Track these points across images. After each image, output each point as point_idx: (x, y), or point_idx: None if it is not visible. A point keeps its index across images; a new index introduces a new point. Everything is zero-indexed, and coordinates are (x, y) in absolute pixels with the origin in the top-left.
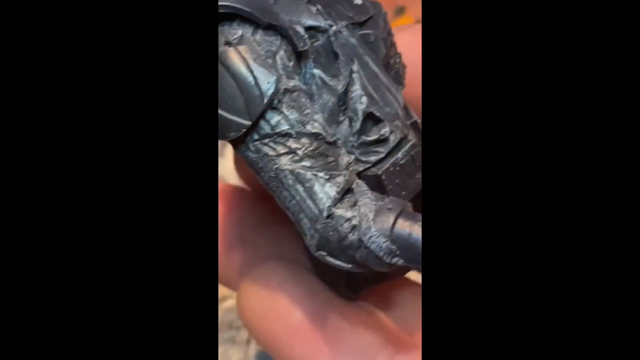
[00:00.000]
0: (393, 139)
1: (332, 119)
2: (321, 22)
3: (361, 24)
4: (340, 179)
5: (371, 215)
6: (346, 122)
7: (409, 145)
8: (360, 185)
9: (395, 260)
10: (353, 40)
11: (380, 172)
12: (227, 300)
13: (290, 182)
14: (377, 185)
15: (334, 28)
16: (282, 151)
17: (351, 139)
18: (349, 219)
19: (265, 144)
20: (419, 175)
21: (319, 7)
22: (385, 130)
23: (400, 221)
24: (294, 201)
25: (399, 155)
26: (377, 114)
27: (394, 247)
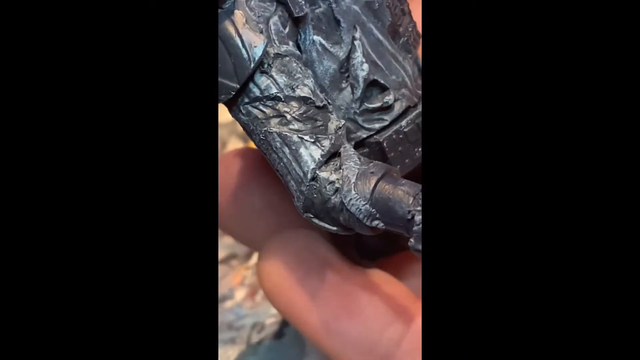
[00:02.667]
0: (398, 107)
1: (334, 85)
2: None
3: None
4: (326, 143)
5: (353, 179)
6: (349, 88)
7: (414, 113)
8: (347, 150)
9: (375, 223)
10: (356, 7)
11: (381, 139)
12: (227, 300)
13: (278, 144)
14: (379, 152)
15: None
16: (271, 114)
17: (353, 105)
18: (332, 182)
19: (255, 107)
20: None
21: None
22: (389, 97)
23: (381, 184)
24: (281, 163)
25: (403, 123)
26: (382, 81)
27: (373, 210)
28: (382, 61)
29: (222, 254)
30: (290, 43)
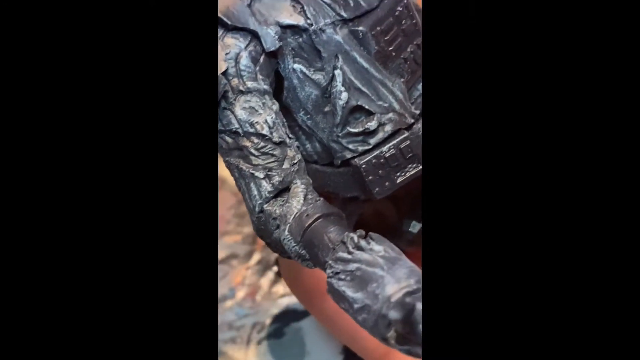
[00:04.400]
0: (383, 132)
1: (317, 109)
2: (300, 21)
3: (351, 20)
4: (276, 179)
5: (290, 219)
6: (331, 113)
7: (399, 139)
8: (297, 186)
9: (305, 264)
10: (337, 38)
11: (360, 163)
12: (227, 300)
13: (237, 175)
14: (359, 175)
15: (313, 27)
16: (232, 146)
17: (334, 129)
18: (275, 218)
19: (221, 137)
20: (409, 168)
21: (302, 5)
22: (370, 124)
23: (313, 228)
24: (241, 190)
25: (385, 148)
26: (366, 106)
27: (303, 252)
28: (368, 88)
29: (222, 254)
30: (260, 77)
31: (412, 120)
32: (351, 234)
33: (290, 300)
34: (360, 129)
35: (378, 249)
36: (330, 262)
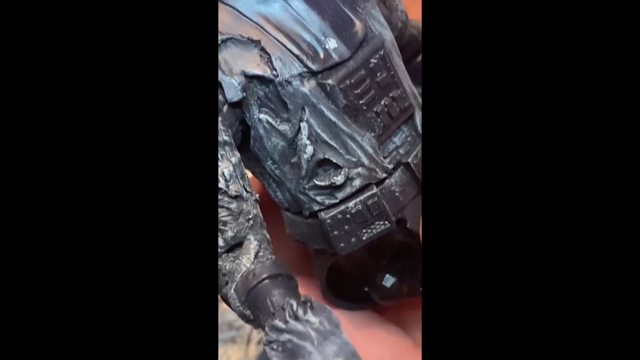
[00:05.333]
0: (351, 186)
1: (284, 159)
2: (266, 72)
3: (320, 72)
4: (228, 234)
5: (237, 277)
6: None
7: (366, 194)
8: (250, 242)
9: (250, 324)
10: (304, 90)
11: (325, 217)
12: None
13: None
14: (323, 230)
15: (279, 79)
16: None
17: (301, 181)
18: (224, 274)
19: None
20: (376, 225)
21: (269, 55)
22: (336, 178)
23: (257, 289)
24: None
25: (351, 204)
26: (334, 160)
27: (247, 312)
28: (335, 141)
29: None
30: (221, 128)
31: (384, 175)
32: (291, 301)
33: None
34: (327, 183)
35: (313, 320)
36: (267, 328)
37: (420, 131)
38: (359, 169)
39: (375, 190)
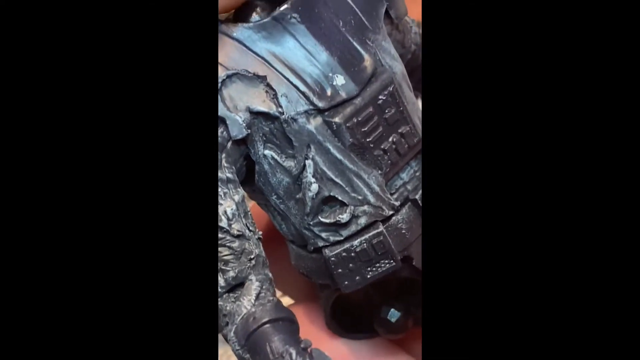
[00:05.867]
0: (357, 224)
1: (289, 195)
2: (272, 109)
3: (326, 110)
4: (230, 274)
5: (237, 319)
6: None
7: (372, 233)
8: (252, 283)
9: None
10: (310, 127)
11: (329, 255)
12: None
13: None
14: (327, 267)
15: (284, 116)
16: None
17: (306, 217)
18: (225, 314)
19: None
20: (382, 264)
21: (275, 91)
22: (341, 216)
23: (257, 333)
24: None
25: (356, 242)
26: (339, 197)
27: (247, 356)
28: (341, 179)
29: None
30: (225, 165)
31: (391, 212)
32: (290, 349)
33: (290, 301)
34: (333, 220)
35: None
36: None
37: None
38: (365, 207)
39: (381, 228)
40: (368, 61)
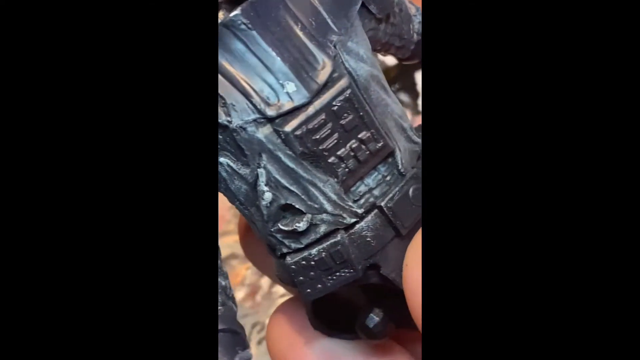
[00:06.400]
0: (316, 232)
1: (249, 202)
2: (221, 118)
3: (275, 119)
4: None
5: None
6: None
7: (330, 242)
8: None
9: None
10: (259, 136)
11: (289, 262)
12: None
13: None
14: (289, 274)
15: (232, 125)
16: None
17: (266, 224)
18: None
19: None
20: (342, 273)
21: (225, 100)
22: (299, 224)
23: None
24: None
25: (314, 251)
26: (296, 205)
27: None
28: (297, 187)
29: (222, 254)
30: None
31: (354, 220)
32: None
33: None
34: (291, 228)
35: None
36: None
37: (402, 170)
38: (323, 215)
39: (338, 237)
40: (325, 66)
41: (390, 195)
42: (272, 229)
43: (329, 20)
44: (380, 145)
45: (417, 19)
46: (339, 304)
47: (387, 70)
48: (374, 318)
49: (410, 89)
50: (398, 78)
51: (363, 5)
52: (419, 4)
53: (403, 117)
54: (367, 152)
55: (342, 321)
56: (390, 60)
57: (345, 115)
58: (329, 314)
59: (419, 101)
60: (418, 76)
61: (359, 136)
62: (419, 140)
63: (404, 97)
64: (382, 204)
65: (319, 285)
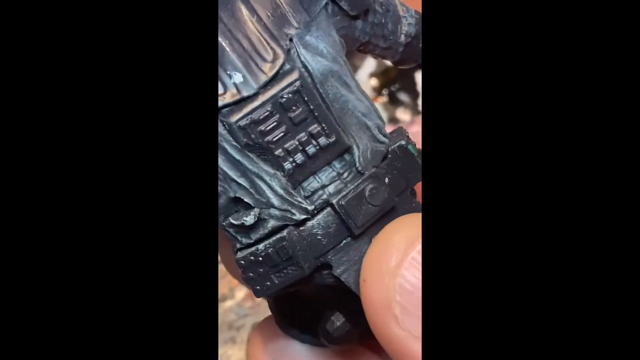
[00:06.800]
0: (264, 227)
1: None
2: None
3: (221, 109)
4: None
5: None
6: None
7: (276, 237)
8: None
9: None
10: None
11: (239, 257)
12: (227, 300)
13: None
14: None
15: None
16: None
17: (219, 218)
18: None
19: None
20: (289, 271)
21: None
22: (246, 218)
23: None
24: None
25: (261, 246)
26: (245, 199)
27: None
28: (244, 180)
29: None
30: None
31: (304, 216)
32: None
33: None
34: (240, 222)
35: None
36: None
37: (360, 168)
38: (271, 210)
39: (284, 233)
40: (276, 58)
41: (344, 193)
42: (224, 223)
43: (289, 14)
44: (332, 140)
45: (407, 21)
46: (306, 304)
47: (387, 70)
48: (335, 323)
49: (410, 89)
50: (398, 78)
51: (334, 1)
52: (419, 4)
53: (369, 115)
54: (317, 147)
55: (309, 322)
56: None
57: (294, 108)
58: (296, 313)
59: (419, 101)
60: (418, 76)
61: (309, 130)
62: (386, 140)
63: (404, 97)
64: (334, 201)
65: (268, 283)
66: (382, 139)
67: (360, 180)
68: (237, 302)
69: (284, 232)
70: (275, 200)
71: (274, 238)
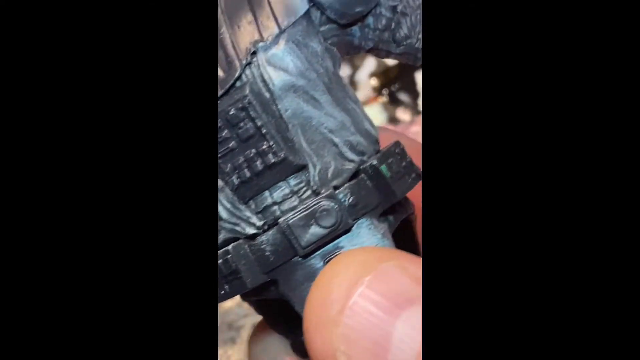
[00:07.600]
0: (218, 239)
1: None
2: None
3: None
4: None
5: None
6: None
7: (222, 250)
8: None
9: None
10: None
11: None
12: (227, 300)
13: None
14: None
15: None
16: None
17: None
18: None
19: None
20: (233, 283)
21: None
22: None
23: None
24: None
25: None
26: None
27: None
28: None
29: None
30: None
31: (254, 231)
32: None
33: None
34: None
35: None
36: None
37: (315, 188)
38: (221, 223)
39: (230, 247)
40: (233, 72)
41: (295, 212)
42: None
43: (261, 26)
44: (279, 158)
45: (412, 43)
46: (284, 310)
47: (387, 70)
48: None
49: (410, 89)
50: (398, 78)
51: (321, 11)
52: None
53: (339, 131)
54: (263, 164)
55: (291, 328)
56: (390, 60)
57: (242, 124)
58: (278, 318)
59: (419, 101)
60: (418, 76)
61: (257, 146)
62: (357, 158)
63: (404, 97)
64: (281, 220)
65: (222, 292)
66: (352, 156)
67: (314, 201)
68: (237, 302)
69: (230, 246)
70: (223, 214)
71: (221, 250)
